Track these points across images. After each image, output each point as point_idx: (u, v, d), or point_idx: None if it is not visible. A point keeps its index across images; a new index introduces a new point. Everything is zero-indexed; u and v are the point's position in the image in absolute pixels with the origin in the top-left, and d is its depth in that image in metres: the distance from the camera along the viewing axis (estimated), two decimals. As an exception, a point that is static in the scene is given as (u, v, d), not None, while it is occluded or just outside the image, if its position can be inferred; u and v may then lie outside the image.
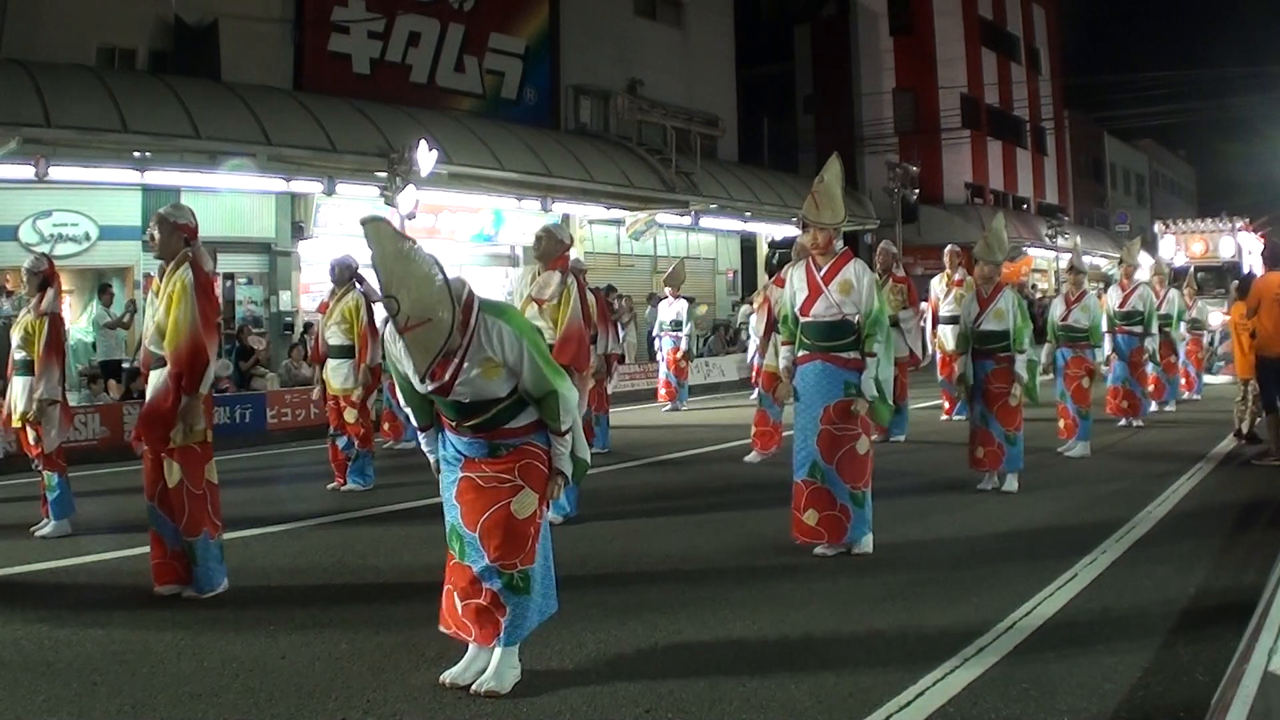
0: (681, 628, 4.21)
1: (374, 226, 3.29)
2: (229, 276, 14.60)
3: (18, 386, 6.47)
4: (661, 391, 14.49)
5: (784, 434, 8.63)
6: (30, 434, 6.43)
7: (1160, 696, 3.40)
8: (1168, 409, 12.17)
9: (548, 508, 3.67)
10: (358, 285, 7.92)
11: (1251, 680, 2.70)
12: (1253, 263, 25.36)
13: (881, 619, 4.31)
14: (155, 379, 4.84)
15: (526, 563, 3.50)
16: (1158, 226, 27.99)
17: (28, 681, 3.70)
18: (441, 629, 3.65)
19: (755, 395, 9.06)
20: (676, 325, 14.03)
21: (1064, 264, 11.42)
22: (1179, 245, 25.82)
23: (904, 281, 10.20)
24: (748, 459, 8.76)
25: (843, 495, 5.33)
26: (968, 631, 4.05)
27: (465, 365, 3.38)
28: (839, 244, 5.55)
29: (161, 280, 4.88)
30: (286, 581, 5.17)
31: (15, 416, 6.51)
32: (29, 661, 3.92)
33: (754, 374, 9.97)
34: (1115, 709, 3.31)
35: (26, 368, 6.36)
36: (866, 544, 5.44)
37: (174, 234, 4.87)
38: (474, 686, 3.48)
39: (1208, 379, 14.65)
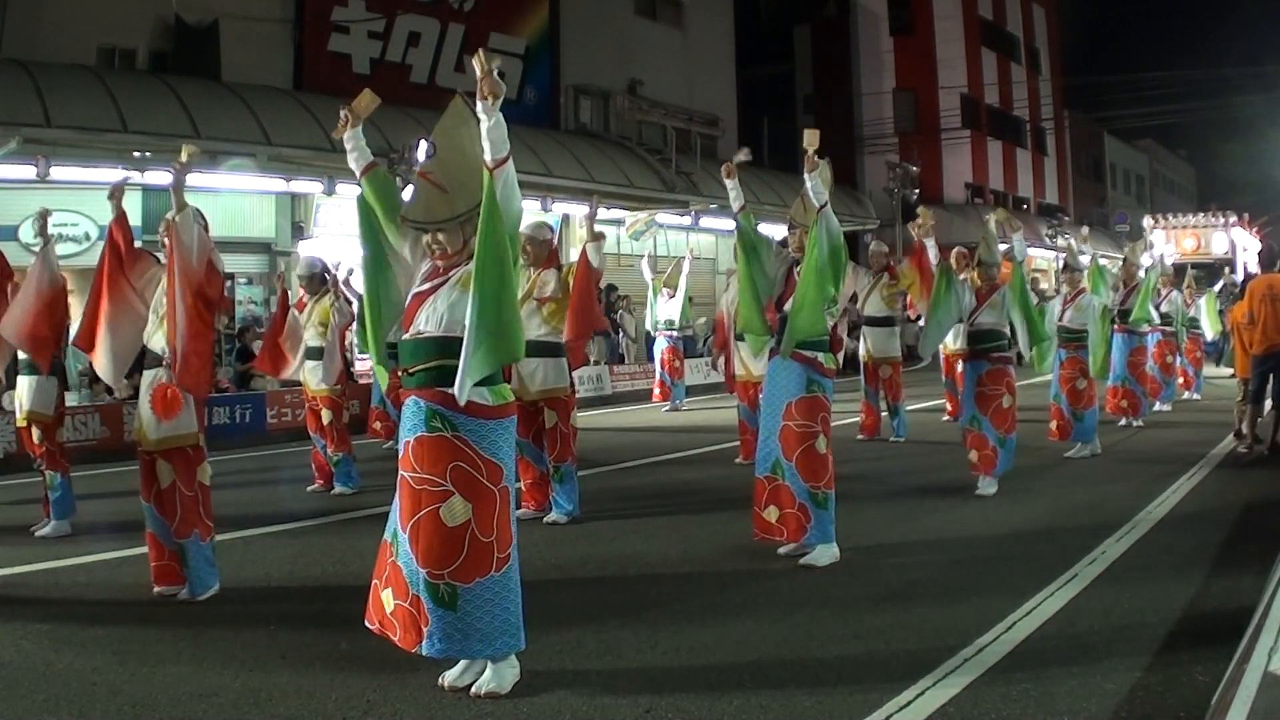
0: (681, 628, 4.21)
1: (465, 111, 3.49)
2: (229, 276, 14.57)
3: (23, 386, 6.47)
4: (656, 392, 14.42)
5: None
6: (34, 433, 6.43)
7: (1160, 696, 3.40)
8: (1164, 409, 12.16)
9: (514, 536, 3.51)
10: (328, 282, 7.93)
11: (1251, 680, 2.70)
12: (1247, 260, 25.36)
13: (881, 619, 4.31)
14: (149, 378, 4.86)
15: (458, 578, 3.36)
16: (1147, 221, 27.88)
17: (28, 681, 3.70)
18: (366, 624, 3.61)
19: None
20: (671, 325, 13.98)
21: (1062, 264, 11.43)
22: (1170, 241, 25.73)
23: (895, 280, 10.16)
24: (737, 460, 8.76)
25: (802, 494, 5.24)
26: (968, 632, 4.06)
27: (448, 278, 3.48)
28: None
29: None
30: (286, 581, 5.18)
31: (20, 415, 6.52)
32: (29, 661, 3.92)
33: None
34: (1115, 709, 3.31)
35: (32, 367, 6.36)
36: (830, 555, 5.25)
37: None
38: (474, 688, 3.48)
39: (1209, 370, 14.70)
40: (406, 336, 3.52)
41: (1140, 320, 10.72)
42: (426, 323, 3.47)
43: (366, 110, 3.93)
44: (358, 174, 3.83)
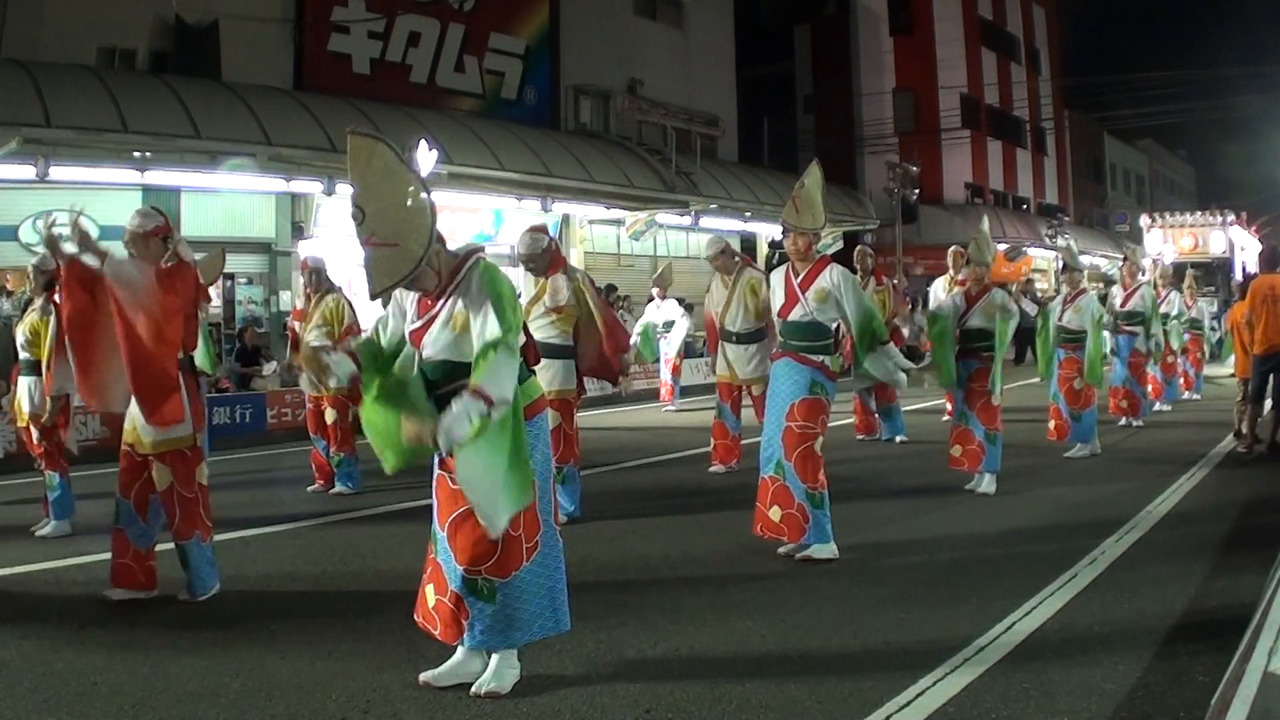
0: (681, 628, 4.21)
1: (367, 142, 3.30)
2: (229, 276, 14.58)
3: (24, 387, 6.47)
4: (663, 393, 14.51)
5: (743, 444, 8.47)
6: (34, 433, 6.43)
7: (1160, 696, 3.40)
8: (1164, 409, 12.16)
9: (544, 520, 3.53)
10: (334, 287, 7.86)
11: (1251, 680, 2.70)
12: (1245, 259, 25.34)
13: (881, 619, 4.31)
14: None
15: (494, 573, 3.41)
16: (1144, 220, 27.84)
17: (28, 681, 3.70)
18: (415, 617, 3.66)
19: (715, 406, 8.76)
20: (669, 327, 14.04)
21: (1061, 265, 11.43)
22: (1168, 240, 25.68)
23: (882, 284, 10.11)
24: (711, 469, 8.51)
25: (799, 494, 5.27)
26: (967, 632, 4.06)
27: (441, 309, 3.40)
28: (821, 247, 5.64)
29: None
30: (286, 582, 5.17)
31: (22, 416, 6.52)
32: (29, 661, 3.92)
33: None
34: (1115, 709, 3.32)
35: (32, 368, 6.36)
36: (829, 552, 5.30)
37: (149, 242, 4.77)
38: (475, 687, 3.48)
39: (1209, 370, 14.68)
40: (425, 356, 3.51)
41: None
42: (434, 347, 3.46)
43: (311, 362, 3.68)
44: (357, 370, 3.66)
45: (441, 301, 3.44)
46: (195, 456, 4.81)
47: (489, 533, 3.32)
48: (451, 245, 3.54)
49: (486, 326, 3.31)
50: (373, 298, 3.46)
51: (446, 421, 3.20)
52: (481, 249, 3.55)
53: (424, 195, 3.29)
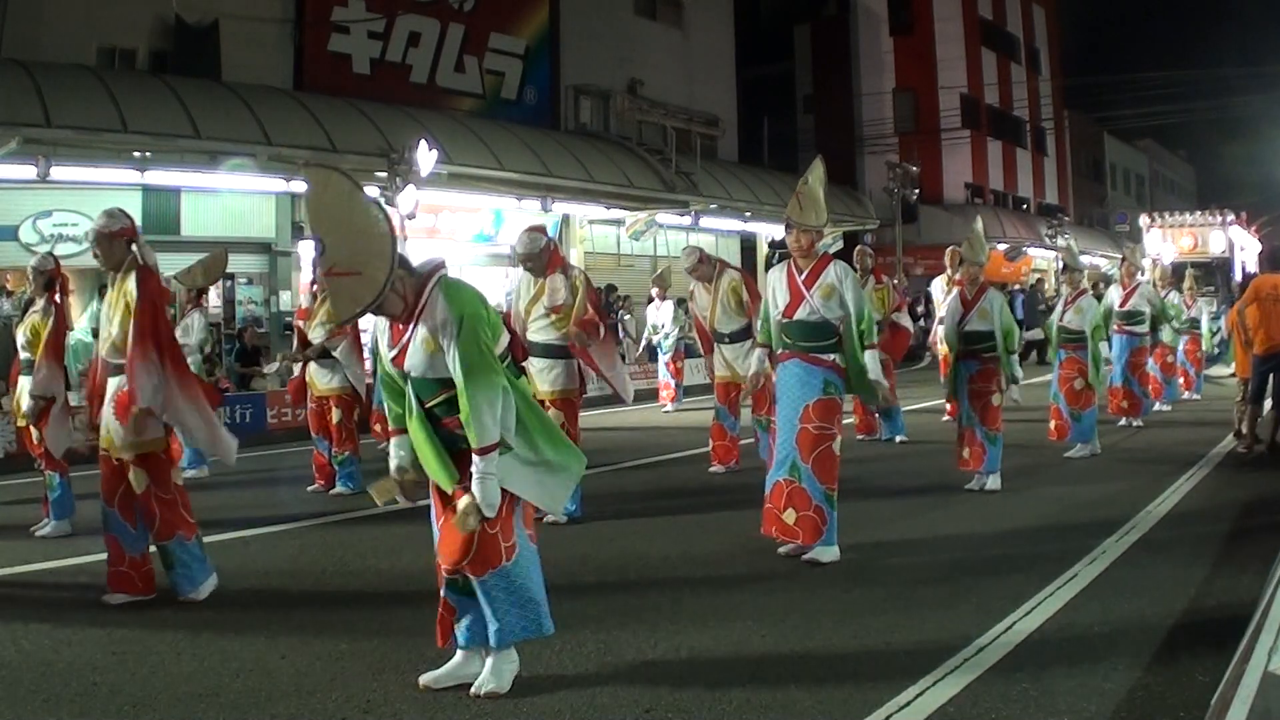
0: (681, 628, 4.21)
1: (322, 173, 3.28)
2: (229, 276, 14.58)
3: (24, 386, 6.48)
4: (664, 393, 14.53)
5: (742, 443, 8.48)
6: (34, 433, 6.43)
7: (1160, 696, 3.40)
8: (1164, 409, 12.16)
9: (518, 527, 3.52)
10: None
11: (1251, 680, 2.70)
12: (1245, 259, 25.31)
13: (881, 619, 4.31)
14: (113, 387, 4.78)
15: (473, 571, 3.42)
16: (1144, 220, 27.79)
17: (28, 681, 3.70)
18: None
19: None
20: (663, 329, 14.09)
21: (1061, 265, 11.42)
22: (1166, 239, 25.63)
23: (881, 283, 10.07)
24: (710, 469, 8.48)
25: (817, 495, 5.24)
26: (967, 632, 4.05)
27: (413, 334, 3.39)
28: (821, 246, 5.58)
29: (112, 289, 4.79)
30: (286, 581, 5.17)
31: (20, 415, 6.53)
32: (29, 661, 3.93)
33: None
34: (1115, 709, 3.31)
35: (32, 367, 6.36)
36: (832, 554, 5.27)
37: (114, 243, 4.73)
38: (474, 687, 3.48)
39: (1209, 370, 14.68)
40: (412, 377, 3.49)
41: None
42: (417, 369, 3.45)
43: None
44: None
45: (411, 326, 3.41)
46: (169, 458, 4.82)
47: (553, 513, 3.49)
48: (415, 262, 3.49)
49: (455, 369, 3.31)
50: (340, 325, 3.48)
51: (479, 494, 3.30)
52: (442, 264, 3.49)
53: (383, 221, 3.25)
